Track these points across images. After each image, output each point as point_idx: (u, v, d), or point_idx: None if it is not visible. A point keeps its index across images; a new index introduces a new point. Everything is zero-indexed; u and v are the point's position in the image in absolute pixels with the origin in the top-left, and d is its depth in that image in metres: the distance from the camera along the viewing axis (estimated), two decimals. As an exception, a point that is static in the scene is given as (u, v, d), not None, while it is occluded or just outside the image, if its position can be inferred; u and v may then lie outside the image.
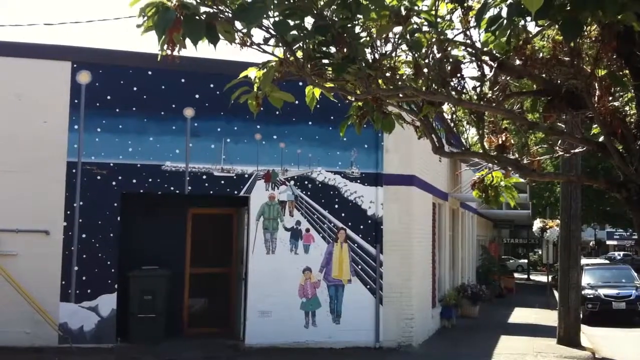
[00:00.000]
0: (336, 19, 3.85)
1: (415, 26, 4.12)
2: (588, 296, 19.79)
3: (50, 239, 11.72)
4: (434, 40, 4.24)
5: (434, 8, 4.10)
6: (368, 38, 4.21)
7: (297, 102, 4.57)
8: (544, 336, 15.48)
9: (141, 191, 12.30)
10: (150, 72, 12.35)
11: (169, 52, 3.46)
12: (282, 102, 4.39)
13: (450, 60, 4.47)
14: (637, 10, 3.34)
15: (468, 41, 4.39)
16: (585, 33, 4.13)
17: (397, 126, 5.22)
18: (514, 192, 5.55)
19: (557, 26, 3.91)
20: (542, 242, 28.36)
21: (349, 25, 3.91)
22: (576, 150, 5.43)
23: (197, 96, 12.52)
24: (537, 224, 26.35)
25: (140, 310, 12.01)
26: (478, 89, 4.71)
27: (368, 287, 12.84)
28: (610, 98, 4.33)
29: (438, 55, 4.35)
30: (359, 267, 12.86)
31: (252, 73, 4.20)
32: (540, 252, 41.46)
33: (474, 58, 4.54)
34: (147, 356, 11.36)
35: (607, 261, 40.46)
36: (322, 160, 13.00)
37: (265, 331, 12.21)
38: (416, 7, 4.03)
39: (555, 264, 24.35)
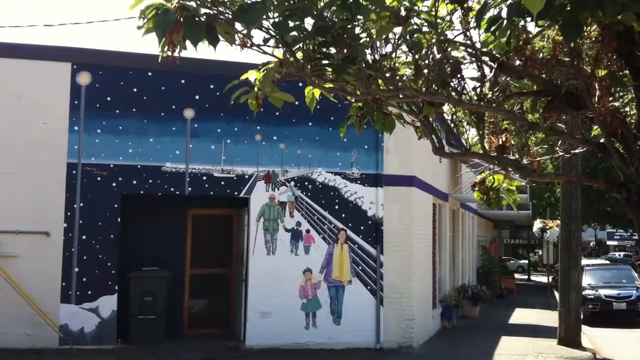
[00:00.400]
0: (336, 20, 3.85)
1: (415, 27, 4.13)
2: (589, 297, 19.77)
3: (51, 240, 11.72)
4: (434, 41, 4.24)
5: (434, 9, 4.10)
6: (368, 39, 4.21)
7: (297, 102, 4.57)
8: (544, 337, 15.47)
9: (141, 192, 12.29)
10: (150, 73, 12.35)
11: (169, 53, 3.46)
12: (282, 101, 4.39)
13: (450, 60, 4.47)
14: (637, 11, 3.34)
15: (468, 42, 4.39)
16: (585, 33, 4.13)
17: (397, 127, 5.23)
18: (516, 195, 5.54)
19: (557, 26, 3.91)
20: (542, 243, 28.35)
21: (349, 26, 3.91)
22: (576, 151, 5.43)
23: (197, 97, 12.51)
24: (537, 224, 26.35)
25: (141, 311, 12.00)
26: (478, 90, 4.71)
27: (368, 288, 12.83)
28: (611, 98, 4.33)
29: (438, 56, 4.35)
30: (360, 268, 12.86)
31: (252, 75, 4.20)
32: (540, 253, 41.45)
33: (474, 59, 4.54)
34: (148, 357, 11.35)
35: (607, 262, 40.42)
36: (322, 161, 13.00)
37: (265, 332, 12.20)
38: (416, 8, 4.03)
39: (556, 264, 24.35)
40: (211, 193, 12.56)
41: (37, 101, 11.91)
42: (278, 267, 12.50)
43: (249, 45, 3.81)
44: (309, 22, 3.79)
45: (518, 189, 5.77)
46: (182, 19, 3.30)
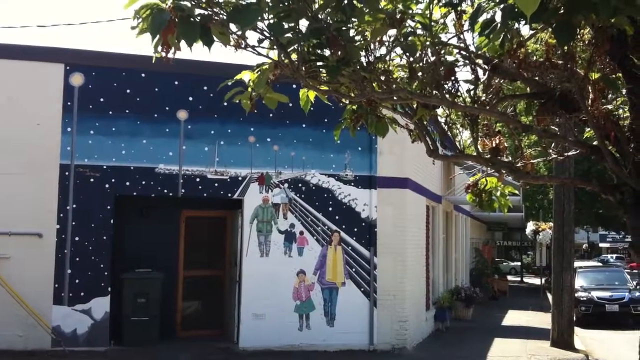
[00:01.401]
0: (331, 22, 3.85)
1: (409, 29, 4.13)
2: (581, 299, 19.82)
3: (43, 241, 11.67)
4: (428, 43, 4.25)
5: (427, 11, 4.11)
6: (362, 41, 4.21)
7: (290, 104, 4.58)
8: (537, 339, 15.51)
9: (134, 194, 12.26)
10: (143, 75, 12.33)
11: (163, 54, 3.46)
12: (276, 103, 4.39)
13: (444, 63, 4.48)
14: (630, 14, 3.36)
15: (462, 44, 4.40)
16: (579, 36, 4.15)
17: (391, 129, 5.24)
18: (508, 201, 5.57)
19: (550, 29, 3.92)
20: (535, 245, 28.43)
21: (344, 28, 3.92)
22: (569, 153, 5.45)
23: (190, 98, 12.50)
24: (530, 226, 26.40)
25: (134, 313, 11.97)
26: (472, 92, 4.72)
27: (362, 289, 12.83)
28: (604, 101, 4.35)
29: (432, 59, 4.36)
30: (353, 269, 12.86)
31: (246, 76, 4.20)
32: (532, 254, 41.54)
33: (467, 61, 4.55)
34: (141, 359, 11.31)
35: (599, 263, 40.56)
36: (316, 163, 13.00)
37: (259, 334, 12.18)
38: (410, 11, 4.04)
39: (546, 271, 24.38)
40: (204, 195, 12.54)
41: (30, 102, 11.86)
42: (271, 268, 12.49)
43: (243, 46, 3.81)
44: (303, 24, 3.80)
45: (510, 192, 5.79)
46: (176, 19, 3.29)
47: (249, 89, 4.27)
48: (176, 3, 3.32)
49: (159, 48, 3.43)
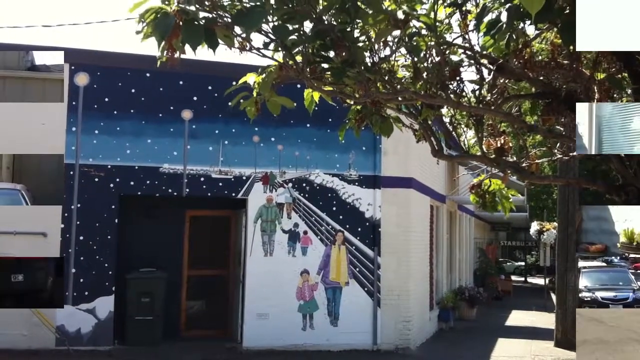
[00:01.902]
0: (335, 23, 3.85)
1: (414, 30, 4.13)
2: (585, 299, 19.74)
3: (48, 241, 11.69)
4: (432, 43, 4.25)
5: (432, 12, 4.10)
6: (367, 42, 4.21)
7: (295, 104, 4.57)
8: (541, 339, 15.48)
9: (139, 193, 12.27)
10: (148, 74, 12.33)
11: (168, 55, 3.45)
12: (279, 107, 4.40)
13: (449, 63, 4.47)
14: (636, 14, 3.34)
15: (467, 45, 4.39)
16: (584, 36, 4.13)
17: (395, 129, 5.24)
18: (510, 203, 5.57)
19: (556, 29, 3.91)
20: (539, 245, 28.37)
21: (348, 29, 3.91)
22: (575, 153, 5.43)
23: (195, 98, 12.50)
24: (535, 226, 26.35)
25: (138, 312, 11.98)
26: (477, 92, 4.72)
27: (366, 289, 12.82)
28: (609, 101, 4.33)
29: (437, 59, 4.35)
30: (357, 269, 12.85)
31: (251, 78, 4.20)
32: (536, 254, 41.46)
33: (472, 61, 4.55)
34: (145, 359, 11.33)
35: (604, 264, 40.40)
36: (320, 163, 12.98)
37: (262, 334, 12.18)
38: (415, 12, 4.03)
39: (543, 275, 24.29)
40: (209, 194, 12.55)
41: (35, 101, 11.87)
42: (275, 268, 12.49)
43: (248, 48, 3.81)
44: (308, 26, 3.80)
45: (512, 195, 5.78)
46: (181, 23, 3.29)
47: (254, 93, 4.27)
48: (181, 7, 3.31)
49: (164, 52, 3.43)
